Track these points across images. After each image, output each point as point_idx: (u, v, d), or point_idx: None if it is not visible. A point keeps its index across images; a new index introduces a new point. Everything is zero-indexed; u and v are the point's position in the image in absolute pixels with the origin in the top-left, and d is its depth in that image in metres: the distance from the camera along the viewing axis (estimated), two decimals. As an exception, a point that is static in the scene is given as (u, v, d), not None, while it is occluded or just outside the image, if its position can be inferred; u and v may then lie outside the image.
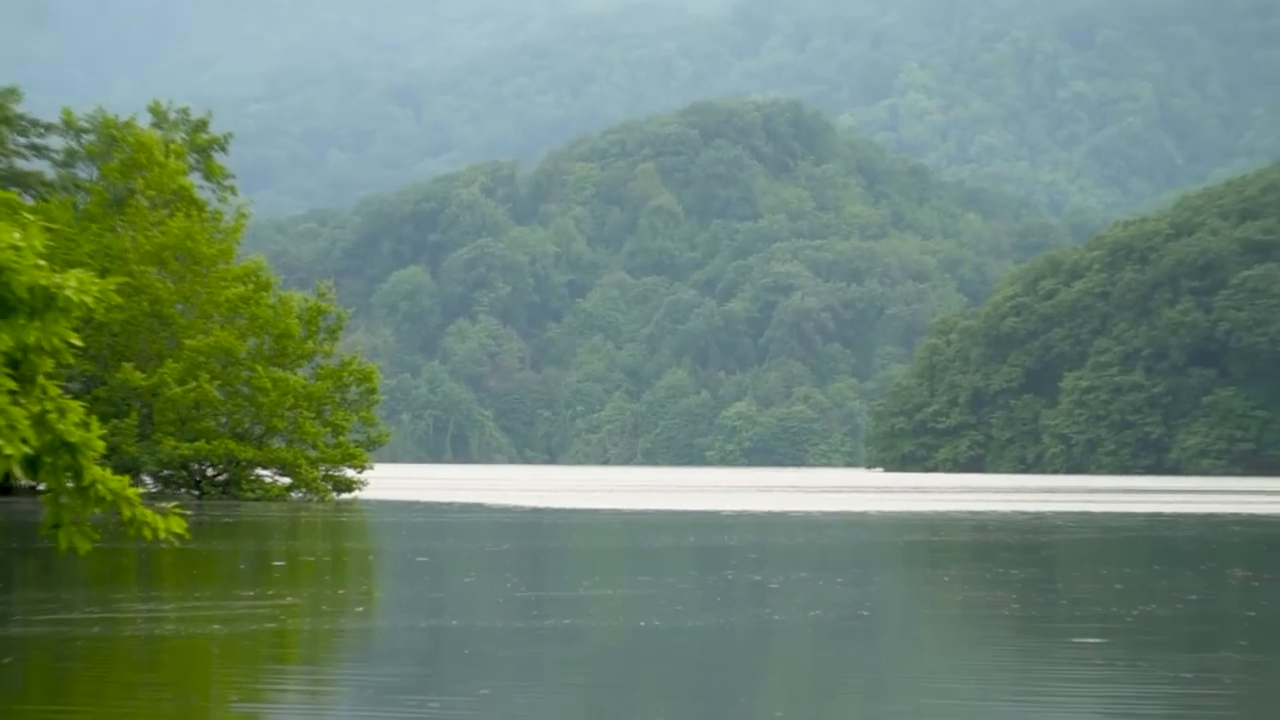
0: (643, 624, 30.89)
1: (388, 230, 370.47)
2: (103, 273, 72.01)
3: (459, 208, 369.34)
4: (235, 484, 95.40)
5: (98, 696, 22.18)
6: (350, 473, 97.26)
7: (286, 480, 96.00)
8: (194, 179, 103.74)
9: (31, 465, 8.80)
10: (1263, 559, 53.02)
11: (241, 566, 44.97)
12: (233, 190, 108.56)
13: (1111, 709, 21.75)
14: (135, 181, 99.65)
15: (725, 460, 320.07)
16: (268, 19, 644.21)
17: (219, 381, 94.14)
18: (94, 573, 40.43)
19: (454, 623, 31.02)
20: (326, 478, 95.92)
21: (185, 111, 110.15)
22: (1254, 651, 28.27)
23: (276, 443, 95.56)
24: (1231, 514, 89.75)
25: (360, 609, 34.36)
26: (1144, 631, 30.39)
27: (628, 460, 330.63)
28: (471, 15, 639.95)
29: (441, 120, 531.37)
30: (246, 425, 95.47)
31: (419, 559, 51.36)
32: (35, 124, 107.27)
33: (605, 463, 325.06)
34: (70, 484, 8.89)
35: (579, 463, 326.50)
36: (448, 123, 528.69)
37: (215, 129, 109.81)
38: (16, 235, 8.54)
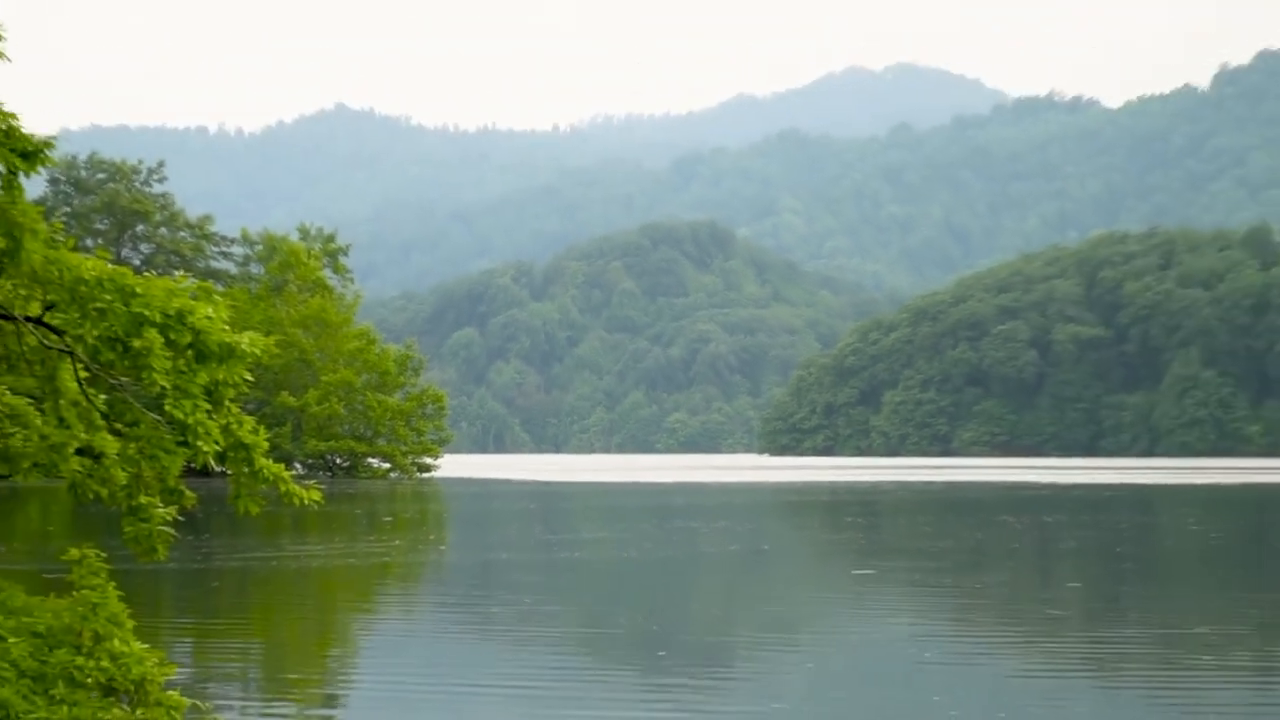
0: (624, 556, 30.61)
1: (451, 305, 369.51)
2: (267, 333, 71.60)
3: (497, 290, 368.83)
4: (354, 468, 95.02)
5: (266, 609, 21.88)
6: (428, 460, 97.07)
7: (387, 465, 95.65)
8: (326, 273, 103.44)
9: (220, 458, 8.60)
10: (1019, 509, 52.85)
11: (362, 521, 44.53)
12: (351, 280, 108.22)
13: (920, 612, 21.59)
14: (288, 275, 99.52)
15: (669, 450, 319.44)
16: (372, 172, 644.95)
17: (344, 403, 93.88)
18: (263, 527, 40.00)
19: (503, 556, 30.70)
20: (413, 463, 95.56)
21: (320, 229, 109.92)
22: (1016, 572, 28.18)
23: (381, 441, 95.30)
24: (996, 481, 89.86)
25: (442, 548, 33.97)
26: (943, 559, 30.22)
27: (606, 450, 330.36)
28: (502, 168, 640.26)
29: (485, 234, 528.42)
30: (361, 430, 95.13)
31: (475, 515, 50.95)
32: (224, 239, 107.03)
33: (592, 452, 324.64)
34: (245, 469, 8.69)
35: (575, 452, 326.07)
36: (489, 235, 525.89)
37: (339, 240, 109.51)
38: (209, 309, 8.45)
